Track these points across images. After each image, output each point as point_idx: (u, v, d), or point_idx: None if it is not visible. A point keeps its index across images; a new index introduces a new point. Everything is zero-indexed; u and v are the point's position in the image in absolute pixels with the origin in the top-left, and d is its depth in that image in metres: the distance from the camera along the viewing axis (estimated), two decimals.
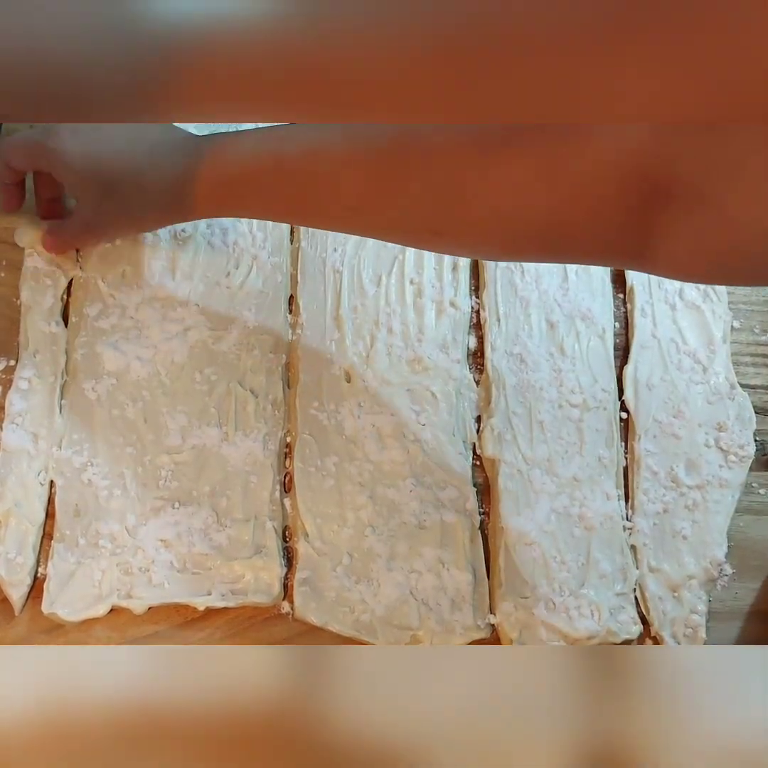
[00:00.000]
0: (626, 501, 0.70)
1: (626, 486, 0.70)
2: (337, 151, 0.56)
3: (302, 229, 0.76)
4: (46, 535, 0.64)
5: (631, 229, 0.49)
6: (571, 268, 0.76)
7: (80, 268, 0.72)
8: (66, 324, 0.70)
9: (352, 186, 0.56)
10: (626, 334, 0.76)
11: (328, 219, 0.62)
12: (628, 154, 0.47)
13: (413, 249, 0.75)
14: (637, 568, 0.67)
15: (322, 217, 0.63)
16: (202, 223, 0.74)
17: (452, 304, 0.74)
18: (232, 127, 0.71)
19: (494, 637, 0.64)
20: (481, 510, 0.68)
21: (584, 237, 0.51)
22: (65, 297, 0.71)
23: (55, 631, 0.61)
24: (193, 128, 0.68)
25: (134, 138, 0.62)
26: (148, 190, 0.62)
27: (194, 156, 0.61)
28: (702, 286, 0.76)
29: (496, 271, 0.75)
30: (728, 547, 0.69)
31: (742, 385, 0.74)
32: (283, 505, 0.67)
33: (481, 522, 0.68)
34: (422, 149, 0.53)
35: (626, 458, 0.71)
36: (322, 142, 0.57)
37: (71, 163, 0.62)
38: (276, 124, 0.61)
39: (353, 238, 0.75)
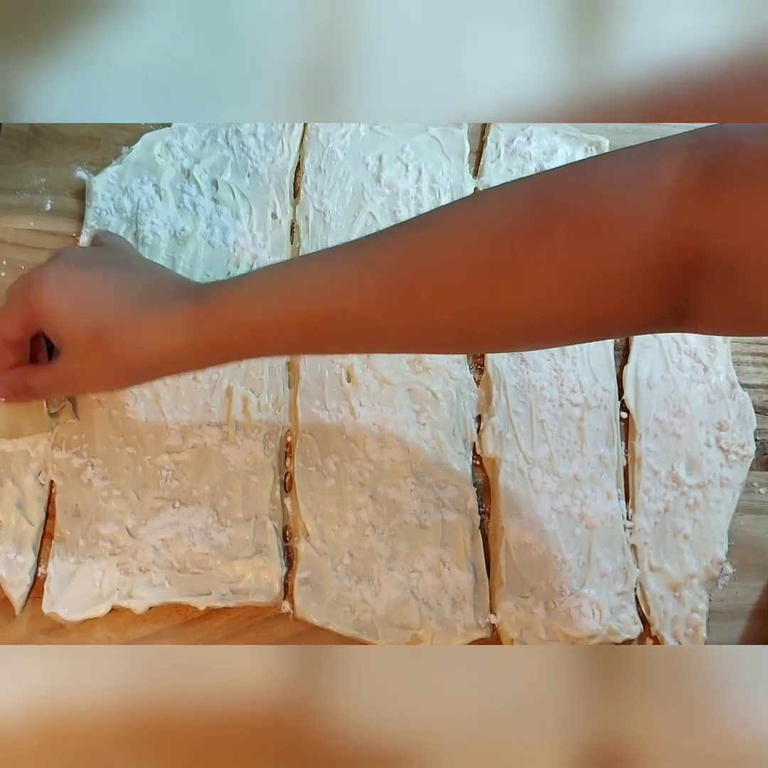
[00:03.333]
0: (627, 500, 0.70)
1: (627, 485, 0.71)
2: (348, 283, 0.53)
3: (302, 228, 0.76)
4: (47, 535, 0.64)
5: (667, 304, 0.48)
6: None
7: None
8: None
9: (371, 309, 0.52)
10: None
11: (353, 343, 0.58)
12: (649, 237, 0.46)
13: None
14: (638, 567, 0.67)
15: (340, 347, 0.60)
16: (202, 223, 0.74)
17: None
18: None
19: (495, 637, 0.64)
20: (481, 509, 0.68)
21: (620, 322, 0.51)
22: None
23: (55, 631, 0.61)
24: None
25: (124, 284, 0.57)
26: (141, 339, 0.56)
27: (193, 304, 0.55)
28: None
29: None
30: (729, 546, 0.69)
31: (743, 385, 0.74)
32: (283, 504, 0.67)
33: (482, 521, 0.68)
34: (444, 254, 0.51)
35: (627, 457, 0.72)
36: (331, 280, 0.53)
37: (61, 313, 0.56)
38: (281, 262, 0.59)
39: (353, 237, 0.75)
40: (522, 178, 0.53)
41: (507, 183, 0.53)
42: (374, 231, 0.75)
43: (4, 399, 0.63)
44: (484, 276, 0.49)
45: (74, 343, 0.57)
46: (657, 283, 0.47)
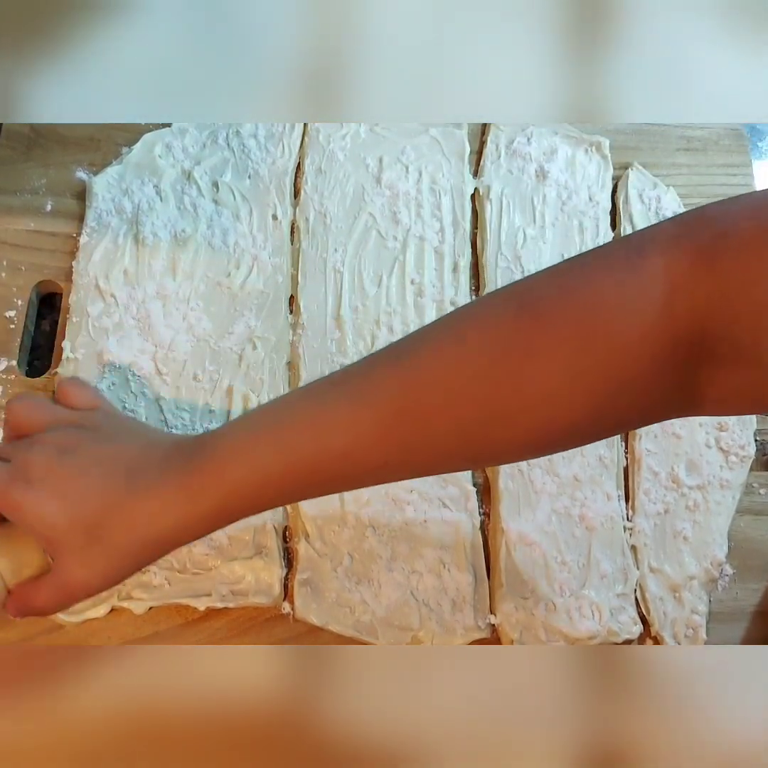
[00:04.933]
0: (627, 501, 0.70)
1: (627, 486, 0.71)
2: (345, 423, 0.50)
3: (303, 229, 0.76)
4: None
5: (676, 390, 0.47)
6: None
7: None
8: (66, 323, 0.70)
9: (371, 446, 0.50)
10: None
11: (360, 481, 0.55)
12: (651, 330, 0.45)
13: (413, 249, 0.75)
14: (638, 568, 0.67)
15: (345, 486, 0.56)
16: (203, 224, 0.74)
17: (453, 304, 0.74)
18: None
19: (495, 638, 0.64)
20: (481, 510, 0.68)
21: (628, 417, 0.50)
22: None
23: (55, 631, 0.61)
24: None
25: (107, 467, 0.52)
26: (136, 529, 0.51)
27: (184, 473, 0.51)
28: None
29: (496, 271, 0.76)
30: (729, 547, 0.69)
31: None
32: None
33: (482, 522, 0.68)
34: (440, 384, 0.49)
35: (627, 458, 0.71)
36: (327, 422, 0.51)
37: (51, 520, 0.51)
38: (267, 405, 0.55)
39: (354, 238, 0.75)
40: (502, 289, 0.52)
41: (488, 296, 0.53)
42: (374, 233, 0.76)
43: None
44: (482, 395, 0.48)
45: (70, 548, 0.51)
46: (664, 373, 0.46)
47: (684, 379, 0.46)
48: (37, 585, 0.53)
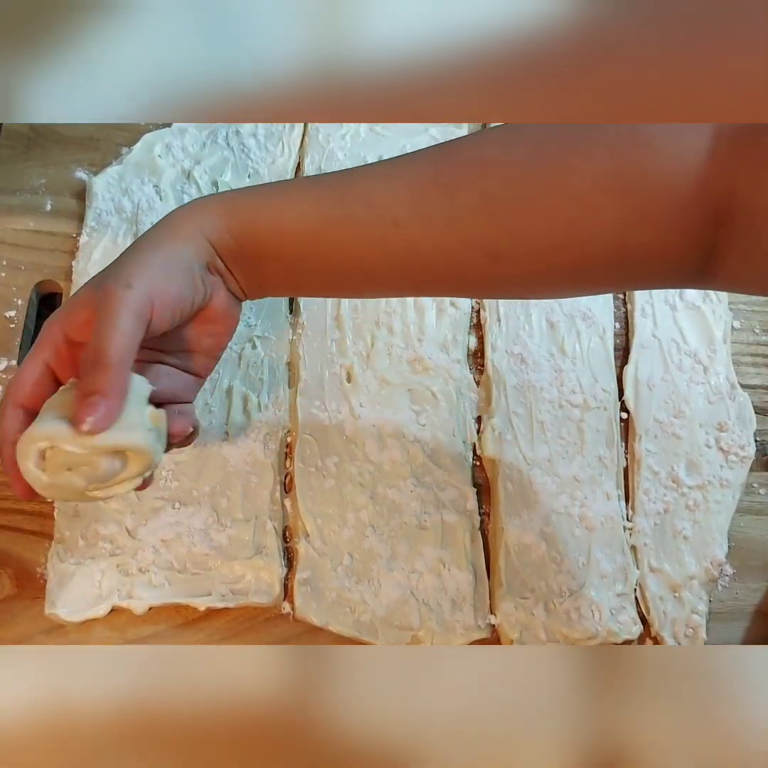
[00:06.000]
0: (627, 501, 0.70)
1: (627, 486, 0.71)
2: (380, 170, 0.52)
3: None
4: (47, 535, 0.64)
5: (695, 247, 0.48)
6: None
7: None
8: None
9: (391, 197, 0.50)
10: (626, 334, 0.76)
11: (364, 246, 0.52)
12: (689, 172, 0.46)
13: None
14: (638, 568, 0.67)
15: (357, 245, 0.52)
16: None
17: (453, 304, 0.74)
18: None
19: (494, 638, 0.64)
20: (481, 510, 0.68)
21: (650, 255, 0.49)
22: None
23: (55, 631, 0.61)
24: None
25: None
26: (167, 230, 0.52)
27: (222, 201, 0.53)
28: None
29: None
30: (729, 547, 0.69)
31: (743, 385, 0.74)
32: (283, 505, 0.67)
33: (482, 522, 0.68)
34: (474, 159, 0.49)
35: (627, 458, 0.72)
36: (360, 185, 0.51)
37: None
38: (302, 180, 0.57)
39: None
40: None
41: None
42: None
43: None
44: (521, 176, 0.48)
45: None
46: (691, 217, 0.47)
47: (703, 237, 0.47)
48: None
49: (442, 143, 0.53)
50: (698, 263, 0.48)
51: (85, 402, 0.45)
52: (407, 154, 0.53)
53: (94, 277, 0.52)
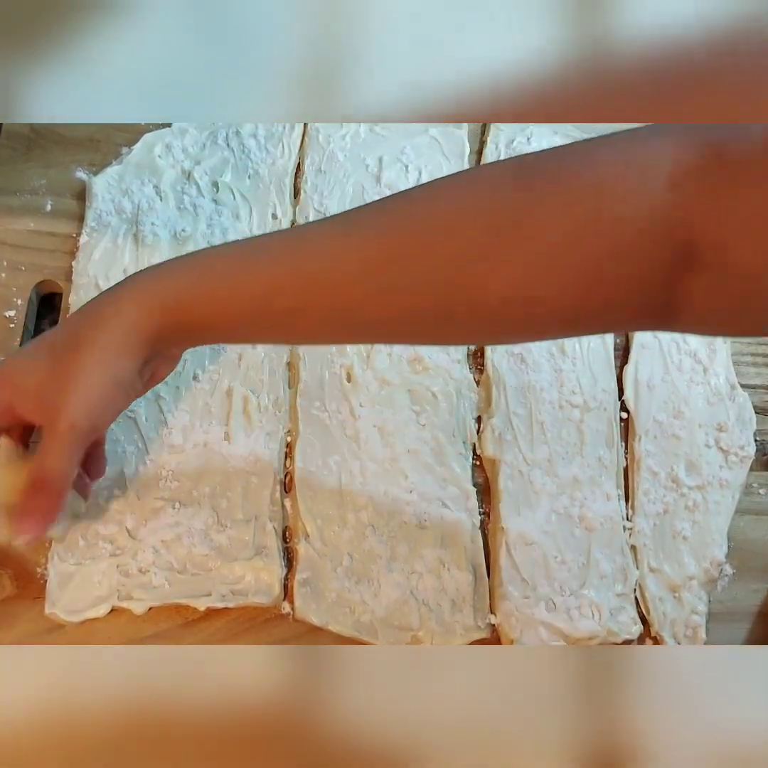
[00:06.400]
0: (626, 501, 0.70)
1: (626, 486, 0.71)
2: (331, 249, 0.50)
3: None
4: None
5: (656, 292, 0.46)
6: None
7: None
8: None
9: (348, 273, 0.50)
10: (626, 334, 0.76)
11: (317, 325, 0.53)
12: (646, 213, 0.44)
13: None
14: (638, 568, 0.67)
15: (309, 324, 0.53)
16: (203, 224, 0.74)
17: None
18: None
19: (494, 638, 0.64)
20: (481, 510, 0.68)
21: (607, 307, 0.48)
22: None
23: (55, 631, 0.61)
24: None
25: (58, 329, 0.56)
26: (88, 339, 0.53)
27: (140, 290, 0.53)
28: None
29: None
30: (728, 547, 0.69)
31: (743, 386, 0.74)
32: (283, 505, 0.67)
33: (482, 522, 0.68)
34: (423, 232, 0.48)
35: (626, 459, 0.72)
36: (309, 252, 0.50)
37: (26, 371, 0.54)
38: (249, 240, 0.54)
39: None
40: (503, 160, 0.52)
41: (492, 163, 0.52)
42: None
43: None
44: (468, 252, 0.47)
45: (44, 396, 0.53)
46: (647, 265, 0.45)
47: (665, 279, 0.45)
48: (38, 457, 0.54)
49: (391, 197, 0.51)
50: (660, 308, 0.47)
51: (26, 519, 0.53)
52: (354, 213, 0.52)
53: (47, 337, 0.55)
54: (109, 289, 0.54)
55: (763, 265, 0.42)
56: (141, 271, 0.54)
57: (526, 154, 0.50)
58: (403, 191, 0.52)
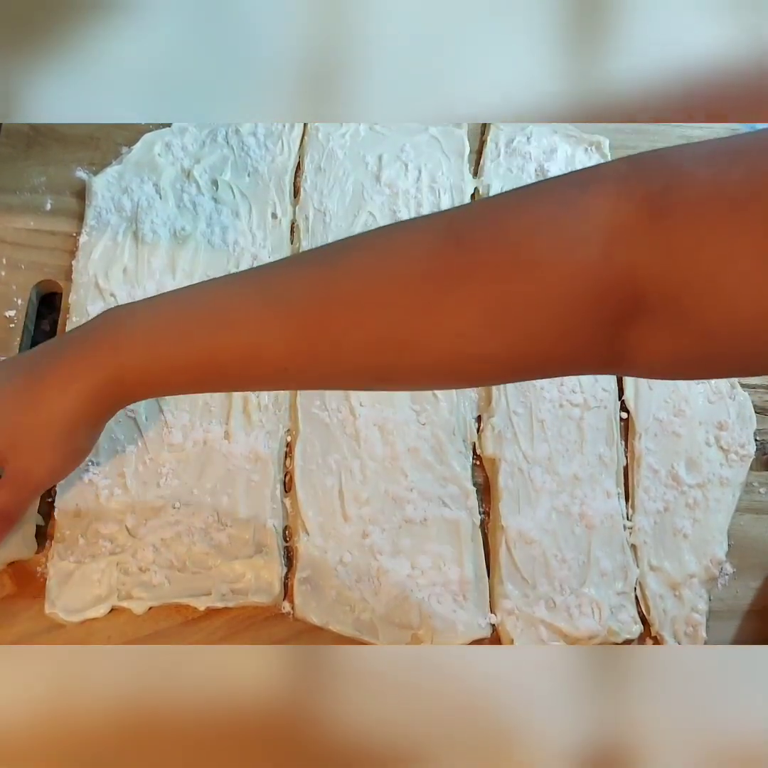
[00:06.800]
0: (627, 499, 0.70)
1: (627, 484, 0.71)
2: (251, 319, 0.49)
3: (302, 228, 0.76)
4: (47, 535, 0.64)
5: (601, 346, 0.44)
6: None
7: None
8: (66, 322, 0.70)
9: (277, 348, 0.49)
10: None
11: (258, 383, 0.56)
12: (582, 273, 0.42)
13: None
14: (638, 566, 0.67)
15: (247, 386, 0.59)
16: (202, 222, 0.74)
17: None
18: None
19: (495, 637, 0.64)
20: (481, 509, 0.68)
21: (549, 362, 0.46)
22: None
23: (55, 631, 0.61)
24: None
25: (9, 372, 0.55)
26: (43, 405, 0.53)
27: (82, 349, 0.53)
28: None
29: None
30: (729, 545, 0.69)
31: (743, 385, 0.74)
32: (283, 504, 0.67)
33: (482, 521, 0.68)
34: (352, 301, 0.47)
35: (627, 457, 0.72)
36: (233, 319, 0.50)
37: None
38: (177, 290, 0.54)
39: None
40: (437, 213, 0.50)
41: (422, 218, 0.49)
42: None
43: None
44: (394, 319, 0.46)
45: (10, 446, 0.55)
46: (591, 321, 0.43)
47: (612, 331, 0.43)
48: None
49: (315, 271, 0.49)
50: (609, 357, 0.45)
51: None
52: (286, 275, 0.50)
53: (21, 368, 0.55)
54: (81, 335, 0.54)
55: (718, 316, 0.41)
56: (106, 320, 0.53)
57: (457, 209, 0.49)
58: (330, 245, 0.51)
